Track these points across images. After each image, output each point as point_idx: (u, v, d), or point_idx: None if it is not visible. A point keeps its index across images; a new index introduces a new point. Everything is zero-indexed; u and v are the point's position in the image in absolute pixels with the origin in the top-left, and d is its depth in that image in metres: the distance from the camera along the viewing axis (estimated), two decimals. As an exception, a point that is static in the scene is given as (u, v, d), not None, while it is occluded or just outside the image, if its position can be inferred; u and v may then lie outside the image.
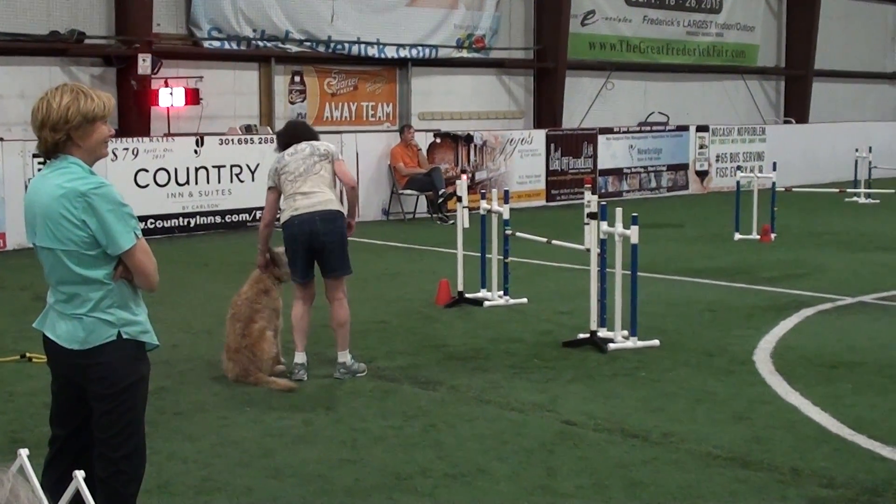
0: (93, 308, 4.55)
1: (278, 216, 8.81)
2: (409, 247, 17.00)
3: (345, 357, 8.82)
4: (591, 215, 9.81)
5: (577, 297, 11.54)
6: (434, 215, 20.70)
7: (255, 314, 8.65)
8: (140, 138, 18.07)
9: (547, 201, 23.59)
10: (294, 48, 21.60)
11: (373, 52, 22.71)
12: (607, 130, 25.19)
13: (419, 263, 15.13)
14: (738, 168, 21.61)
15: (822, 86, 32.85)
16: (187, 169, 18.30)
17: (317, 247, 8.65)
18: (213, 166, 18.61)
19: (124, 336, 4.60)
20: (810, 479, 6.32)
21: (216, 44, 20.47)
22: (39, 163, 4.54)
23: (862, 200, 23.50)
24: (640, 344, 9.67)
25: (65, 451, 4.82)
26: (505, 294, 11.89)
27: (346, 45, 22.26)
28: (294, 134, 9.03)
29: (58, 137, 4.53)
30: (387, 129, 22.87)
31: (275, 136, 9.23)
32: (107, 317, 4.57)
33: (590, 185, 10.80)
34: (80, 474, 4.00)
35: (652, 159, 25.86)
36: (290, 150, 8.81)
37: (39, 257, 4.66)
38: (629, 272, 9.78)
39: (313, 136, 9.08)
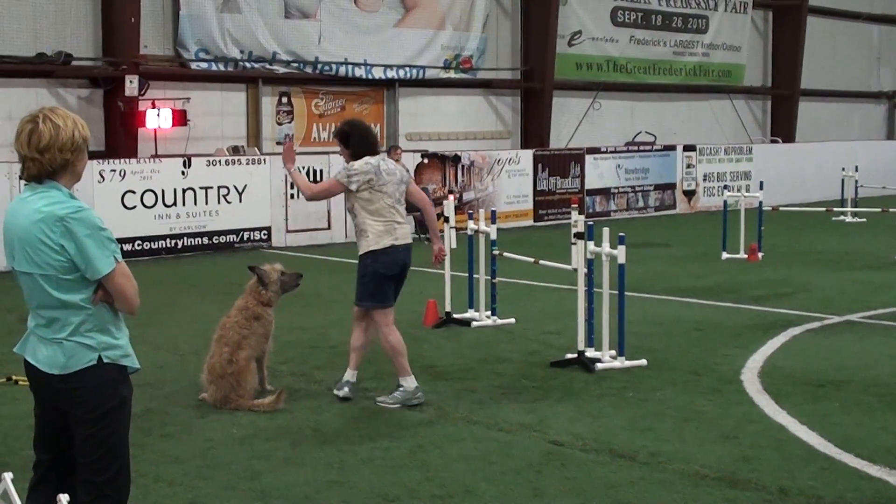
0: (73, 332, 4.53)
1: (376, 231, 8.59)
2: (397, 267, 16.94)
3: (354, 377, 8.83)
4: (579, 235, 9.81)
5: (564, 317, 11.54)
6: (422, 236, 20.68)
7: (243, 340, 8.56)
8: (127, 160, 18.07)
9: (534, 221, 23.62)
10: (281, 69, 21.64)
11: (360, 72, 22.76)
12: (594, 150, 25.25)
13: (407, 284, 14.99)
14: (726, 187, 21.77)
15: (808, 105, 32.99)
16: (175, 190, 18.29)
17: (402, 275, 8.76)
18: (201, 187, 18.61)
19: (105, 360, 4.57)
20: (798, 498, 6.31)
21: (203, 65, 20.49)
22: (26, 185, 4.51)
23: (849, 219, 23.56)
24: (628, 364, 9.66)
25: (49, 476, 4.78)
26: (492, 314, 11.88)
27: (334, 66, 22.31)
28: (374, 142, 8.77)
29: (65, 158, 4.52)
30: (374, 149, 22.83)
31: (346, 134, 8.67)
32: (87, 341, 4.54)
33: (576, 205, 10.82)
34: (64, 498, 3.98)
35: (639, 179, 25.93)
36: (384, 165, 8.55)
37: (18, 282, 4.63)
38: (616, 292, 9.77)
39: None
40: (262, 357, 8.85)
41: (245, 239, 19.16)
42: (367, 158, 8.55)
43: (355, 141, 8.67)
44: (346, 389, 8.72)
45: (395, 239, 8.54)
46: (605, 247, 9.75)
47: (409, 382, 8.58)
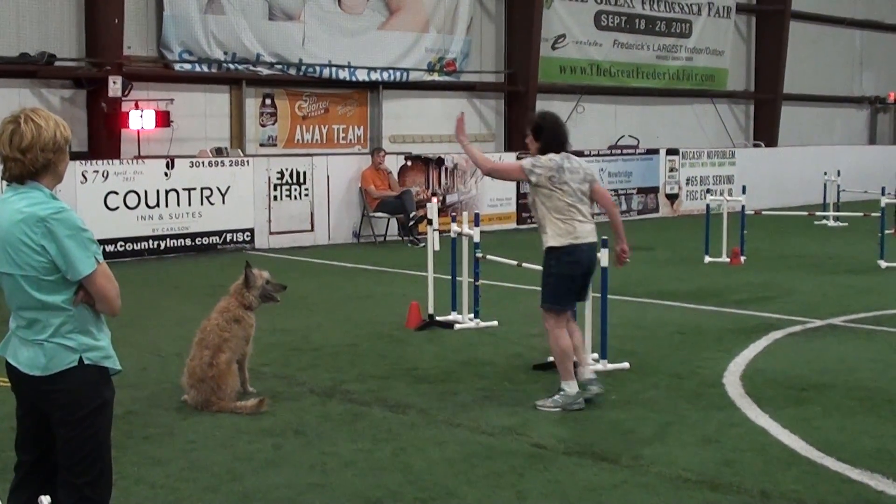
0: (53, 334, 4.52)
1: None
2: (380, 269, 16.98)
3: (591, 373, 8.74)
4: (562, 238, 9.80)
5: (547, 320, 11.53)
6: (405, 238, 20.70)
7: (224, 343, 8.53)
8: (110, 161, 18.01)
9: (518, 224, 23.63)
10: (265, 71, 21.59)
11: (344, 74, 22.73)
12: (578, 153, 24.81)
13: (390, 286, 15.11)
14: (708, 191, 21.76)
15: (790, 109, 33.07)
16: (157, 191, 18.25)
17: (590, 273, 8.68)
18: (184, 189, 18.57)
19: (86, 361, 4.56)
20: (780, 501, 6.33)
21: (187, 66, 20.43)
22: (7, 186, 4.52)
23: (831, 223, 23.64)
24: (611, 367, 9.68)
25: (31, 477, 4.77)
26: (475, 317, 11.88)
27: (318, 68, 22.27)
28: (564, 139, 8.72)
29: (47, 158, 4.51)
30: (358, 151, 22.87)
31: (539, 128, 8.66)
32: (68, 342, 4.53)
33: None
34: (45, 500, 3.97)
35: (622, 182, 25.96)
36: (567, 163, 8.56)
37: (0, 283, 4.62)
38: (599, 295, 9.78)
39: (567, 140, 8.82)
40: (243, 360, 8.84)
41: (228, 241, 19.12)
42: (551, 155, 8.56)
43: (547, 136, 8.66)
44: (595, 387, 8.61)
45: (574, 238, 8.46)
46: (589, 250, 9.75)
47: (572, 387, 8.46)
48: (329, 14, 22.47)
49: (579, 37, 27.36)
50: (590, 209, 8.64)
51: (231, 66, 21.06)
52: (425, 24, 24.20)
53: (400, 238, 20.84)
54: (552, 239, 8.50)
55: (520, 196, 23.65)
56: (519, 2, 25.67)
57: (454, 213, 14.09)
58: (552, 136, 8.66)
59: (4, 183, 4.60)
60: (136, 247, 17.98)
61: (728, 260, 17.33)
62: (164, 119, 19.62)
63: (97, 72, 19.04)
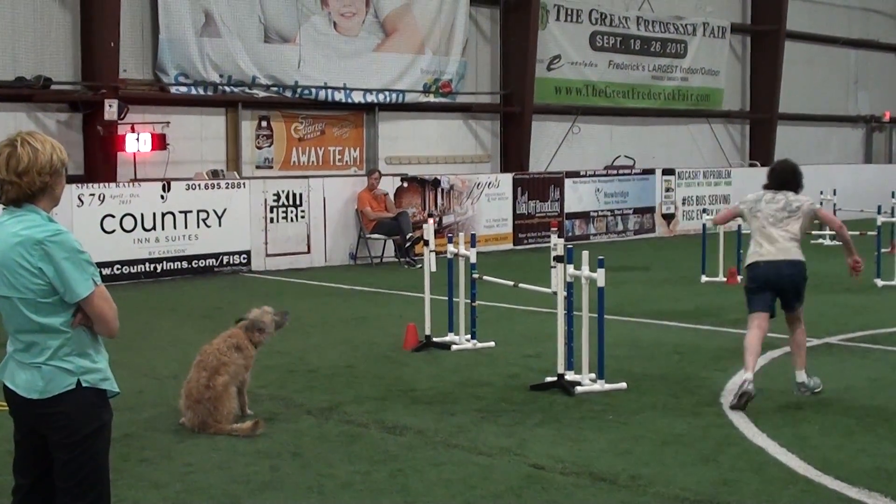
0: (51, 356, 4.52)
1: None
2: (377, 291, 16.97)
3: (802, 376, 9.56)
4: (558, 258, 9.83)
5: (544, 341, 11.54)
6: (401, 259, 20.70)
7: (222, 366, 8.52)
8: (106, 184, 18.02)
9: (514, 245, 23.65)
10: (261, 93, 21.64)
11: (340, 96, 22.78)
12: (574, 174, 25.32)
13: (386, 307, 15.10)
14: (704, 211, 21.82)
15: (786, 129, 33.15)
16: (154, 214, 18.25)
17: (780, 287, 9.68)
18: (180, 211, 18.57)
19: (84, 384, 4.56)
20: (778, 520, 6.32)
21: (183, 89, 20.48)
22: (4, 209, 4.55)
23: (827, 243, 23.63)
24: (608, 387, 9.67)
25: (28, 501, 4.76)
26: (472, 338, 11.87)
27: (313, 90, 22.32)
28: (780, 179, 9.97)
29: (44, 181, 4.52)
30: (354, 173, 22.89)
31: (769, 171, 10.30)
32: (65, 365, 4.53)
33: (556, 229, 10.84)
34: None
35: (618, 202, 26.00)
36: (768, 195, 9.84)
37: (-3, 306, 4.63)
38: (596, 315, 9.78)
39: (796, 183, 10.01)
40: (242, 386, 8.83)
41: (224, 263, 19.12)
42: (760, 192, 9.92)
43: (768, 177, 10.15)
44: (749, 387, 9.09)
45: (758, 256, 9.65)
46: (585, 270, 9.77)
47: (800, 375, 9.59)
48: (324, 36, 22.54)
49: (575, 57, 27.45)
50: (789, 234, 9.71)
51: (227, 88, 21.11)
52: (421, 46, 24.27)
53: (396, 259, 20.84)
54: (746, 257, 9.87)
55: (515, 217, 23.70)
56: (514, 23, 25.77)
57: (451, 234, 14.09)
58: (769, 177, 10.11)
59: (1, 206, 4.60)
60: (133, 270, 17.97)
61: (725, 279, 17.34)
62: (160, 142, 19.64)
63: (93, 95, 19.08)
